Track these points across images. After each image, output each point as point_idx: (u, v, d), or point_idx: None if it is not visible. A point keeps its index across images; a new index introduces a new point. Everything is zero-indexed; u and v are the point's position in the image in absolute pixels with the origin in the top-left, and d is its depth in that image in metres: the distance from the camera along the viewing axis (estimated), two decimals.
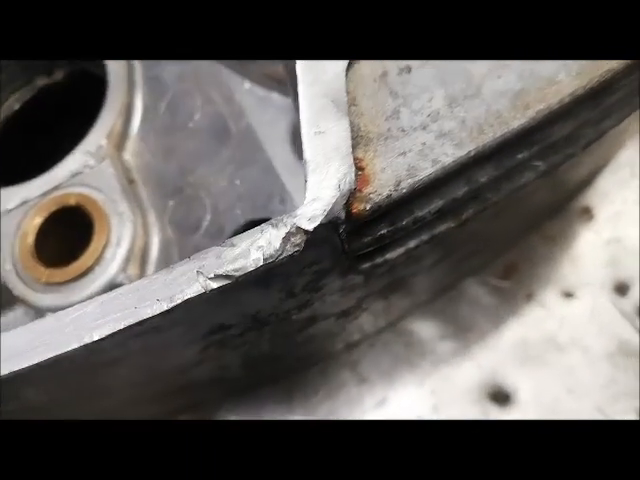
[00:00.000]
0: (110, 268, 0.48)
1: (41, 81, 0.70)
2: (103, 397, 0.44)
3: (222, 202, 0.49)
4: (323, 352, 0.57)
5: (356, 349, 0.60)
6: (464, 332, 0.60)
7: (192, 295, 0.28)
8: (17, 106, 0.70)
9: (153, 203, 0.52)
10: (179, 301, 0.27)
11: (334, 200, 0.28)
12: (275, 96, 0.51)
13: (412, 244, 0.38)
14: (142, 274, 0.50)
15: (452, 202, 0.35)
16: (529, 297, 0.60)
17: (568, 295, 0.60)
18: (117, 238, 0.48)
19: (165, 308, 0.27)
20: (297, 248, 0.27)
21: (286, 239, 0.28)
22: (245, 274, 0.28)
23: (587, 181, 0.62)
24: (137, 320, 0.28)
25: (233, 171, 0.50)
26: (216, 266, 0.28)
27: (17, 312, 0.53)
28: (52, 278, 0.49)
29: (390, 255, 0.38)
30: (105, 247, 0.48)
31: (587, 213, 0.63)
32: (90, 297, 0.48)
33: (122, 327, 0.28)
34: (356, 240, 0.34)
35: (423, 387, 0.58)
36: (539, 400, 0.56)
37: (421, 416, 0.57)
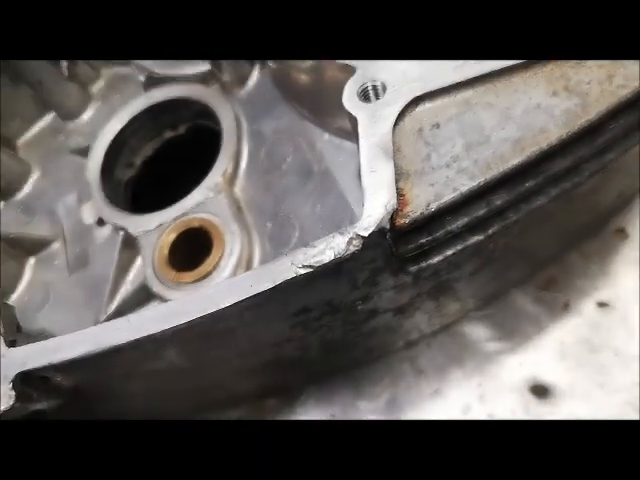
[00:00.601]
0: (224, 273, 0.65)
1: (168, 134, 0.91)
2: (215, 367, 0.59)
3: (307, 223, 0.64)
4: (386, 347, 0.69)
5: (415, 347, 0.72)
6: (509, 335, 0.69)
7: (287, 278, 0.42)
8: (150, 152, 0.91)
9: (255, 225, 0.68)
10: (279, 282, 0.42)
11: (382, 216, 0.42)
12: (347, 144, 0.67)
13: (449, 252, 0.51)
14: None
15: (475, 220, 0.48)
16: (566, 306, 0.69)
17: (602, 305, 0.68)
18: (230, 250, 0.65)
19: (270, 286, 0.42)
20: (357, 248, 0.41)
21: (349, 242, 0.42)
22: (322, 265, 0.42)
23: (619, 205, 0.70)
24: (252, 294, 0.43)
25: (315, 200, 0.65)
26: (303, 259, 0.43)
27: (154, 305, 0.71)
28: (181, 279, 0.66)
29: (431, 260, 0.51)
30: (221, 257, 0.65)
31: (622, 232, 0.71)
32: None
33: (242, 298, 0.43)
34: (402, 246, 0.47)
35: (471, 380, 0.68)
36: (574, 393, 0.64)
37: (469, 404, 0.67)
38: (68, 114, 0.99)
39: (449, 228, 0.47)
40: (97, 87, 1.01)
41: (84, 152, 0.91)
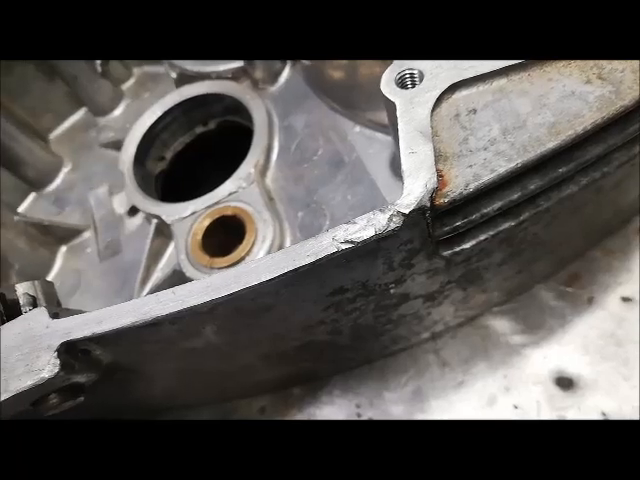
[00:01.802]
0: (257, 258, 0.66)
1: (199, 129, 0.93)
2: (248, 348, 0.60)
3: (338, 212, 0.66)
4: (412, 337, 0.70)
5: (440, 339, 0.73)
6: (534, 329, 0.70)
7: (329, 252, 0.44)
8: (181, 147, 0.93)
9: (287, 215, 0.70)
10: (322, 255, 0.43)
11: (422, 194, 0.44)
12: (378, 135, 0.68)
13: (482, 237, 0.52)
14: None
15: (509, 203, 0.49)
16: (590, 301, 0.70)
17: (626, 300, 0.68)
18: (262, 237, 0.67)
19: (313, 259, 0.44)
20: (397, 224, 0.43)
21: (390, 219, 0.43)
22: (362, 241, 0.43)
23: None
24: (294, 267, 0.44)
25: (346, 190, 0.67)
26: (345, 235, 0.44)
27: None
28: (214, 264, 0.68)
29: (465, 245, 0.52)
30: (254, 243, 0.66)
31: None
32: None
33: (283, 272, 0.45)
34: (438, 228, 0.49)
35: (497, 372, 0.69)
36: (598, 385, 0.64)
37: (494, 395, 0.68)
38: (100, 110, 1.03)
39: (484, 211, 0.49)
40: (128, 85, 1.05)
41: (115, 146, 0.94)
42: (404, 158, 0.46)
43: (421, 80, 0.51)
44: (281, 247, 0.67)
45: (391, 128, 0.57)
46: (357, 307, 0.55)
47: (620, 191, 0.63)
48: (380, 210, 0.44)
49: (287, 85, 0.81)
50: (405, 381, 0.72)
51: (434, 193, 0.45)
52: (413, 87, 0.52)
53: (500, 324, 0.72)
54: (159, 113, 0.88)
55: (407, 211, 0.43)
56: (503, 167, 0.46)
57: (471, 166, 0.46)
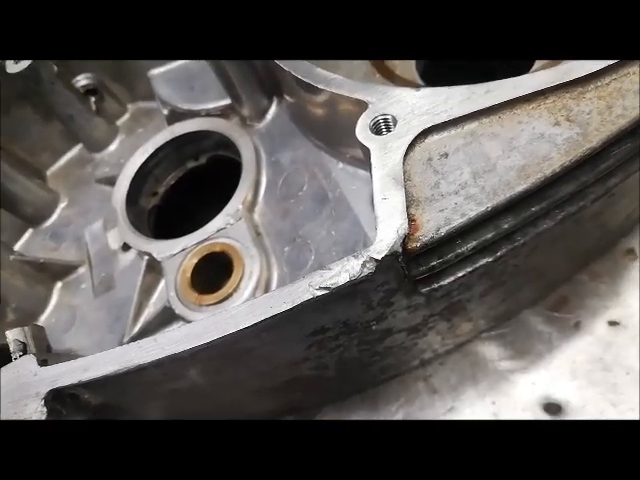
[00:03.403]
0: (244, 295, 0.68)
1: (190, 164, 0.95)
2: (234, 386, 0.61)
3: (322, 247, 0.67)
4: (400, 366, 0.71)
5: (429, 366, 0.73)
6: (522, 354, 0.70)
7: (304, 299, 0.45)
8: (173, 181, 0.95)
9: (273, 249, 0.71)
10: (298, 302, 0.45)
11: (394, 240, 0.45)
12: (361, 172, 0.70)
13: (459, 274, 0.53)
14: None
15: (484, 242, 0.50)
16: (578, 325, 0.70)
17: (613, 324, 0.69)
18: (249, 272, 0.68)
19: (289, 307, 0.45)
20: (370, 270, 0.44)
21: (363, 265, 0.45)
22: (338, 287, 0.45)
23: (628, 226, 0.72)
24: (270, 315, 0.45)
25: (330, 225, 0.68)
26: (320, 282, 0.45)
27: (176, 326, 0.74)
28: (203, 301, 0.69)
29: (443, 282, 0.53)
30: (241, 280, 0.68)
31: (631, 254, 0.72)
32: None
33: (260, 319, 0.46)
34: (414, 268, 0.50)
35: (485, 399, 0.69)
36: (586, 411, 0.64)
37: None
38: (95, 146, 1.05)
39: (459, 251, 0.50)
40: (123, 120, 1.07)
41: (110, 181, 0.96)
42: (377, 204, 0.47)
43: (395, 125, 0.53)
44: (268, 282, 0.69)
45: (369, 170, 0.59)
46: (340, 344, 0.56)
47: (602, 220, 0.64)
48: (354, 256, 0.45)
49: (274, 122, 0.83)
50: (395, 409, 0.72)
51: (406, 238, 0.46)
52: (388, 132, 0.53)
53: (488, 350, 0.72)
54: (151, 150, 0.90)
55: (379, 257, 0.44)
56: (474, 211, 0.47)
57: (442, 210, 0.48)
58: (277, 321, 0.46)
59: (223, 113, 0.87)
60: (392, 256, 0.45)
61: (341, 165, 0.71)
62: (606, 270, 0.72)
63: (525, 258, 0.59)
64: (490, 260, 0.53)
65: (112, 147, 1.04)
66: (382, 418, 0.72)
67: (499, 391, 0.69)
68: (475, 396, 0.70)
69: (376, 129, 0.54)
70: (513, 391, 0.69)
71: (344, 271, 0.44)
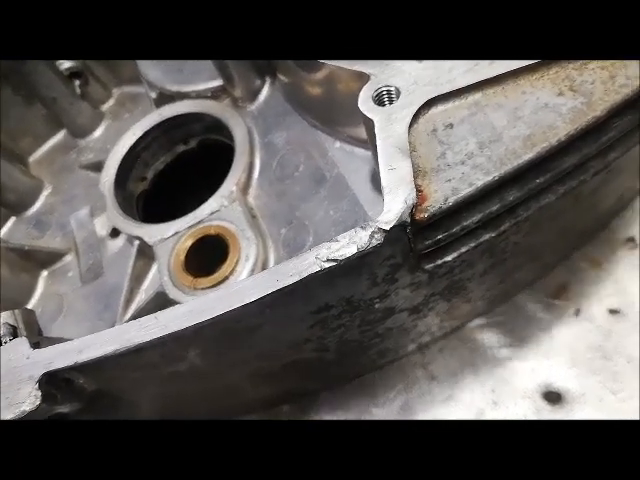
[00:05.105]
0: (241, 277, 0.66)
1: (180, 148, 0.93)
2: (234, 369, 0.60)
3: (321, 228, 0.66)
4: (399, 350, 0.70)
5: (428, 351, 0.72)
6: (521, 342, 0.69)
7: (312, 272, 0.44)
8: (162, 166, 0.93)
9: (270, 232, 0.70)
10: (305, 274, 0.43)
11: (402, 210, 0.44)
12: (358, 150, 0.69)
13: (463, 249, 0.52)
14: None
15: (489, 215, 0.50)
16: (577, 313, 0.70)
17: (613, 312, 0.68)
18: (246, 255, 0.66)
19: (297, 279, 0.43)
20: (379, 241, 0.43)
21: (371, 236, 0.43)
22: (346, 258, 0.43)
23: (619, 208, 0.72)
24: (278, 288, 0.44)
25: (328, 206, 0.67)
26: (327, 254, 0.44)
27: None
28: (198, 285, 0.67)
29: (447, 257, 0.52)
30: (237, 262, 0.66)
31: (631, 242, 0.72)
32: None
33: (267, 292, 0.44)
34: (420, 242, 0.49)
35: (484, 386, 0.68)
36: (586, 399, 0.63)
37: (482, 409, 0.67)
38: (79, 132, 1.02)
39: (464, 224, 0.49)
40: (108, 105, 1.04)
41: (95, 167, 0.93)
42: (383, 174, 0.46)
43: (398, 97, 0.52)
44: (265, 264, 0.67)
45: (370, 144, 0.58)
46: (342, 323, 0.55)
47: (598, 197, 0.64)
48: (362, 227, 0.44)
49: (267, 102, 0.81)
50: (394, 396, 0.72)
51: (414, 208, 0.45)
52: (390, 104, 0.52)
53: (488, 337, 0.72)
54: (139, 133, 0.87)
55: (388, 227, 0.43)
56: (481, 180, 0.47)
57: (449, 180, 0.47)
58: (283, 295, 0.45)
59: (214, 95, 0.85)
60: (400, 227, 0.44)
61: (338, 144, 0.70)
62: (606, 258, 0.72)
63: (525, 236, 0.58)
64: (493, 235, 0.53)
65: (97, 133, 1.02)
66: (380, 405, 0.71)
67: (499, 378, 0.69)
68: (474, 383, 0.69)
69: (379, 100, 0.53)
70: (513, 379, 0.68)
71: (352, 242, 0.43)
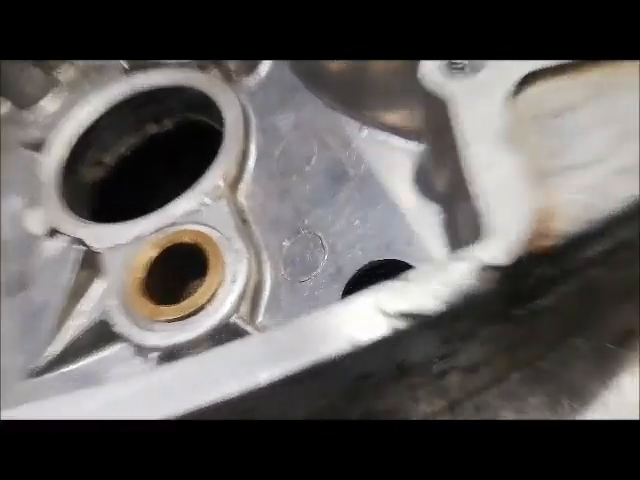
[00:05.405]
0: (223, 307, 0.47)
1: (151, 128, 0.74)
2: None
3: (340, 242, 0.48)
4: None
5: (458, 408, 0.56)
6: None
7: (376, 337, 0.25)
8: (125, 150, 0.74)
9: (267, 243, 0.52)
10: (355, 344, 0.25)
11: (520, 235, 0.26)
12: (394, 140, 0.51)
13: (564, 289, 0.35)
14: (252, 315, 0.48)
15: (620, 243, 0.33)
16: None
17: None
18: (233, 275, 0.47)
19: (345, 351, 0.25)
20: (490, 284, 0.25)
21: (478, 275, 0.25)
22: (429, 314, 0.25)
23: None
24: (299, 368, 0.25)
25: (351, 213, 0.49)
26: (394, 303, 0.26)
27: (115, 349, 0.52)
28: (159, 315, 0.48)
29: (544, 301, 0.35)
30: (220, 284, 0.47)
31: None
32: (199, 338, 0.47)
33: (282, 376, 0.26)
34: (521, 280, 0.31)
35: None
36: None
37: None
38: (26, 102, 0.83)
39: (588, 254, 0.32)
40: (65, 73, 0.85)
41: (41, 147, 0.73)
42: (477, 176, 0.28)
43: (482, 65, 0.35)
44: (258, 289, 0.48)
45: (427, 132, 0.40)
46: (377, 393, 0.37)
47: None
48: (460, 258, 0.26)
49: (269, 76, 0.63)
50: None
51: (533, 233, 0.27)
52: (473, 75, 0.35)
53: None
54: (100, 108, 0.69)
55: (506, 261, 0.25)
56: (628, 192, 0.29)
57: (578, 191, 0.29)
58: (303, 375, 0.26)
59: (201, 64, 0.67)
60: (523, 260, 0.26)
61: (366, 132, 0.52)
62: None
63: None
64: (606, 270, 0.36)
65: (49, 106, 0.82)
66: None
67: None
68: None
69: (454, 69, 0.36)
70: None
71: (441, 284, 0.25)
